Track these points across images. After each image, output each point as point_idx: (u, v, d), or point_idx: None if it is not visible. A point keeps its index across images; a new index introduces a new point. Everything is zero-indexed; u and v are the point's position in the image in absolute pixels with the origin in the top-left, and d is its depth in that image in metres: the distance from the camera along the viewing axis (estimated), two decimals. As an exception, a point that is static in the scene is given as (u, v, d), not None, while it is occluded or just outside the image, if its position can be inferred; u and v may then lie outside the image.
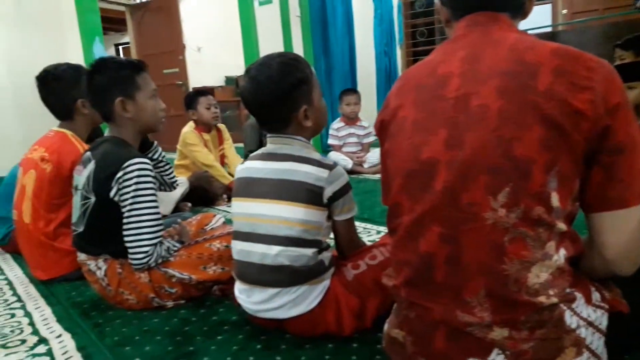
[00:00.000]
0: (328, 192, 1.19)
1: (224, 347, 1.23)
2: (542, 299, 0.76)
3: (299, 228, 1.17)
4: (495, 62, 0.80)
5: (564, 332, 0.77)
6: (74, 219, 1.58)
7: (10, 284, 1.87)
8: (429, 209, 0.83)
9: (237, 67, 6.85)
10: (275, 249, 1.17)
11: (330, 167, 1.20)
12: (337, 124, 4.02)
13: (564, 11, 5.21)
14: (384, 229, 2.23)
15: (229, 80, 7.91)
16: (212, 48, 7.62)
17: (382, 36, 6.22)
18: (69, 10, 4.10)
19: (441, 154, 0.82)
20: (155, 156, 1.76)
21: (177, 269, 1.48)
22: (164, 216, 1.59)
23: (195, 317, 1.43)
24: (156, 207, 1.47)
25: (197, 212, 2.71)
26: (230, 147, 3.41)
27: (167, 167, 1.79)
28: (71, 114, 1.93)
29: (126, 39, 8.75)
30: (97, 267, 1.51)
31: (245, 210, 1.26)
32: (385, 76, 6.21)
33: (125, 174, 1.43)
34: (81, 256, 1.57)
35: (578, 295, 0.79)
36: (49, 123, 2.02)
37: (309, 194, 1.18)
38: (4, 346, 1.33)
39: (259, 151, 1.31)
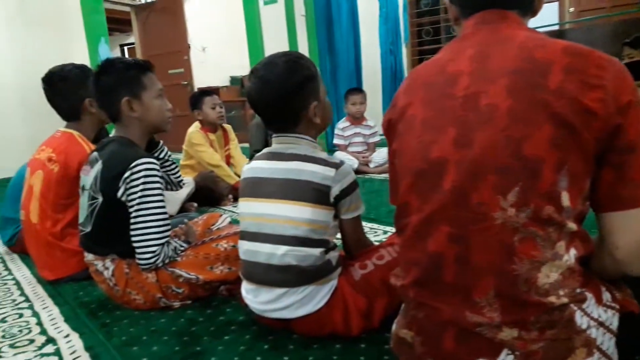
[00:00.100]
0: (335, 191, 1.18)
1: (231, 347, 1.23)
2: (552, 299, 0.76)
3: (306, 228, 1.17)
4: (504, 61, 0.80)
5: (575, 332, 0.77)
6: (81, 219, 1.58)
7: (18, 284, 1.88)
8: (437, 208, 0.83)
9: (242, 67, 6.87)
10: (282, 249, 1.17)
11: (337, 165, 1.20)
12: (342, 123, 4.02)
13: (571, 9, 5.17)
14: (390, 229, 2.22)
15: (234, 80, 7.92)
16: (217, 48, 7.63)
17: (387, 35, 6.20)
18: (74, 11, 4.11)
19: (450, 153, 0.81)
20: (162, 155, 1.76)
21: (184, 269, 1.48)
22: (170, 216, 1.60)
23: (202, 317, 1.43)
24: (163, 207, 1.47)
25: (203, 212, 2.72)
26: (236, 147, 3.42)
27: (173, 166, 1.80)
28: (78, 114, 1.94)
29: (131, 39, 8.78)
30: (105, 267, 1.52)
31: (251, 210, 1.26)
32: (391, 75, 6.19)
33: (132, 174, 1.44)
34: (88, 256, 1.57)
35: (589, 295, 0.78)
36: (55, 124, 2.03)
37: (315, 194, 1.17)
38: (12, 346, 1.34)
39: (265, 151, 1.31)
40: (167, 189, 1.76)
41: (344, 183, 1.19)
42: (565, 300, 0.76)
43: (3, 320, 1.52)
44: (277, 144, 1.28)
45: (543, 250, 0.76)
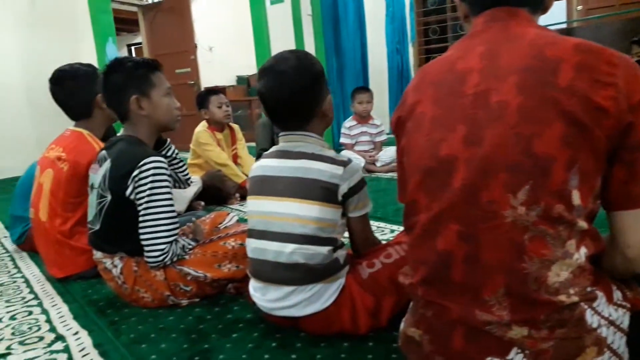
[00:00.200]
0: (343, 189, 1.18)
1: (239, 345, 1.24)
2: (562, 297, 0.75)
3: (313, 226, 1.17)
4: (514, 58, 0.79)
5: (585, 331, 0.76)
6: (90, 217, 1.59)
7: (27, 281, 1.89)
8: (447, 206, 0.83)
9: (249, 67, 6.89)
10: (289, 247, 1.17)
11: (345, 163, 1.20)
12: (349, 122, 4.01)
13: (579, 7, 5.14)
14: (397, 228, 2.22)
15: (241, 79, 7.94)
16: (224, 48, 7.65)
17: (394, 34, 6.19)
18: (82, 11, 4.14)
19: (460, 150, 0.81)
20: (169, 153, 1.77)
21: (192, 267, 1.48)
22: (178, 214, 1.61)
23: (210, 315, 1.44)
24: (172, 205, 1.48)
25: (210, 210, 2.72)
26: (243, 147, 3.43)
27: (180, 164, 1.80)
28: (90, 112, 1.95)
29: (138, 39, 8.82)
30: (113, 265, 1.53)
31: (259, 208, 1.26)
32: (398, 74, 6.18)
33: (141, 172, 1.44)
34: (97, 254, 1.58)
35: (599, 294, 0.78)
36: (63, 123, 2.04)
37: (323, 192, 1.17)
38: (22, 343, 1.35)
39: (274, 149, 1.31)
40: (175, 187, 1.77)
41: (352, 181, 1.19)
42: (575, 299, 0.75)
43: (13, 318, 1.54)
44: (285, 142, 1.28)
45: (553, 248, 0.76)
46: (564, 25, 4.82)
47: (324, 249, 1.17)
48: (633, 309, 0.81)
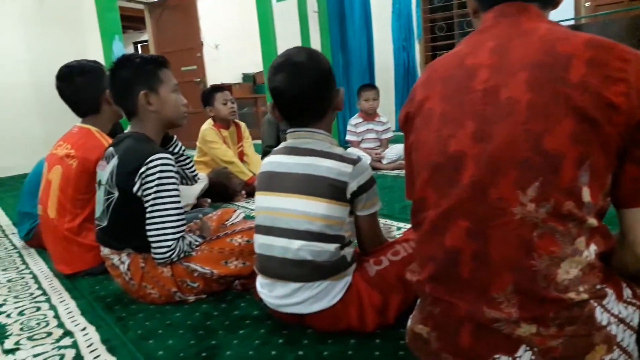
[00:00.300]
0: (352, 187, 1.18)
1: (246, 342, 1.24)
2: (571, 295, 0.75)
3: (320, 223, 1.17)
4: (525, 54, 0.79)
5: (595, 329, 0.76)
6: (98, 213, 1.60)
7: (35, 277, 1.91)
8: (455, 203, 0.82)
9: (255, 64, 6.90)
10: (296, 244, 1.17)
11: (354, 161, 1.19)
12: (355, 119, 4.00)
13: (587, 4, 5.09)
14: (403, 225, 2.21)
15: (246, 77, 7.94)
16: (230, 45, 7.65)
17: (400, 31, 6.17)
18: (89, 9, 4.16)
19: (469, 147, 0.81)
20: (176, 150, 1.77)
21: (199, 264, 1.49)
22: (184, 211, 1.62)
23: (217, 311, 1.44)
24: (179, 201, 1.48)
25: (217, 207, 2.73)
26: (249, 145, 3.43)
27: (187, 160, 1.81)
28: (97, 108, 1.95)
29: (145, 37, 8.85)
30: (121, 261, 1.53)
31: (267, 204, 1.26)
32: (404, 71, 6.17)
33: (148, 169, 1.45)
34: (105, 250, 1.59)
35: (609, 291, 0.77)
36: (70, 120, 2.05)
37: (331, 189, 1.17)
38: (30, 338, 1.36)
39: (283, 145, 1.31)
40: (182, 184, 1.78)
41: (361, 179, 1.19)
42: (585, 296, 0.75)
43: (21, 314, 1.55)
44: (294, 138, 1.28)
45: (563, 246, 0.75)
46: (572, 22, 4.79)
47: (332, 247, 1.17)
48: (643, 307, 0.81)
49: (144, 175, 1.45)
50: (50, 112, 5.21)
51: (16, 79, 5.55)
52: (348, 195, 1.18)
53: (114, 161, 1.53)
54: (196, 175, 1.84)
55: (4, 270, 2.03)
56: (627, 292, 0.80)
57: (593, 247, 0.77)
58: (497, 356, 0.81)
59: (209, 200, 2.93)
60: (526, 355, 0.78)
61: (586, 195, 0.75)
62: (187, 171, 1.80)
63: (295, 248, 1.17)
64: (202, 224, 1.71)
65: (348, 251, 1.21)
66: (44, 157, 2.07)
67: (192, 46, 6.81)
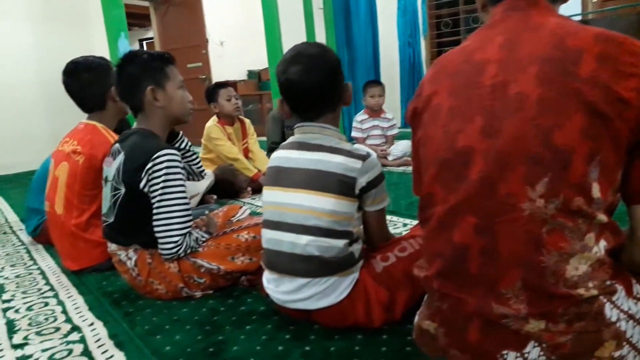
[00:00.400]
0: (361, 182, 1.18)
1: (252, 337, 1.24)
2: (581, 291, 0.75)
3: (328, 219, 1.17)
4: (534, 48, 0.78)
5: (604, 325, 0.75)
6: (104, 209, 1.61)
7: (43, 273, 1.92)
8: (463, 199, 0.82)
9: (259, 61, 6.89)
10: (304, 239, 1.17)
11: (364, 157, 1.19)
12: (360, 116, 3.99)
13: (594, -1, 5.06)
14: (410, 222, 2.21)
15: (251, 74, 7.95)
16: (235, 42, 7.65)
17: (405, 27, 6.15)
18: (94, 6, 4.17)
19: (477, 142, 0.80)
20: (182, 146, 1.77)
21: (206, 259, 1.49)
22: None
23: (224, 307, 1.44)
24: (185, 197, 1.49)
25: (223, 204, 2.73)
26: (254, 141, 3.43)
27: (193, 156, 1.81)
28: (103, 104, 1.96)
29: (150, 34, 8.86)
30: (128, 257, 1.54)
31: (274, 199, 1.26)
32: (409, 68, 6.15)
33: (154, 165, 1.45)
34: (112, 246, 1.59)
35: (619, 287, 0.77)
36: (76, 117, 2.05)
37: (340, 185, 1.17)
38: (39, 333, 1.37)
39: (291, 140, 1.31)
40: (188, 179, 1.78)
41: (371, 175, 1.19)
42: (594, 292, 0.75)
43: (29, 309, 1.56)
44: (302, 133, 1.28)
45: (572, 242, 0.75)
46: (579, 17, 4.75)
47: (340, 242, 1.17)
48: (653, 303, 0.80)
49: (150, 172, 1.45)
50: (56, 110, 5.24)
51: (23, 76, 5.58)
52: (357, 191, 1.18)
53: (121, 157, 1.53)
54: (203, 171, 1.84)
55: (12, 266, 2.04)
56: (636, 288, 0.80)
57: (602, 243, 0.76)
58: (505, 352, 0.81)
59: (215, 197, 2.93)
60: (535, 351, 0.78)
61: (596, 191, 0.75)
62: (193, 167, 1.80)
63: (303, 243, 1.17)
64: (208, 220, 1.72)
65: (356, 247, 1.21)
66: (51, 153, 2.08)
67: (198, 43, 6.82)
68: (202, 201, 2.77)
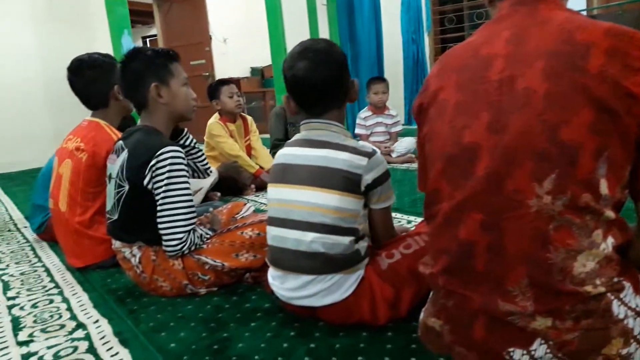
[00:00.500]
0: (367, 180, 1.17)
1: (257, 334, 1.24)
2: (588, 288, 0.74)
3: (333, 215, 1.16)
4: (542, 43, 0.77)
5: (611, 322, 0.75)
6: (108, 207, 1.61)
7: (47, 270, 1.92)
8: (469, 195, 0.81)
9: (263, 58, 6.89)
10: (310, 236, 1.17)
11: (369, 154, 1.19)
12: (364, 113, 3.99)
13: (600, -6, 5.02)
14: (414, 219, 2.20)
15: (255, 71, 7.94)
16: (238, 39, 7.65)
17: (409, 23, 6.13)
18: (98, 4, 4.17)
19: (483, 138, 0.80)
20: (187, 143, 1.77)
21: (210, 256, 1.49)
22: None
23: (228, 304, 1.44)
24: (189, 194, 1.48)
25: (227, 201, 2.73)
26: (257, 139, 3.42)
27: (199, 153, 1.80)
28: (107, 102, 1.96)
29: (153, 31, 8.86)
30: (132, 254, 1.54)
31: (280, 196, 1.26)
32: (413, 64, 6.13)
33: (158, 162, 1.45)
34: (116, 244, 1.59)
35: (626, 284, 0.77)
36: (80, 115, 2.05)
37: (345, 181, 1.17)
38: (44, 330, 1.37)
39: (297, 137, 1.30)
40: (194, 177, 1.78)
41: (376, 172, 1.18)
42: (602, 289, 0.74)
43: (34, 306, 1.56)
44: (308, 130, 1.27)
45: (579, 238, 0.74)
46: (584, 13, 4.72)
47: (346, 239, 1.17)
48: (661, 300, 0.79)
49: (154, 169, 1.45)
50: (60, 108, 5.26)
51: (26, 74, 5.60)
52: (362, 188, 1.18)
53: (124, 154, 1.53)
54: (208, 168, 1.84)
55: (16, 263, 2.05)
56: (644, 285, 0.79)
57: (610, 240, 0.76)
58: (511, 349, 0.80)
59: (219, 194, 2.93)
60: (541, 348, 0.77)
61: (604, 187, 0.74)
62: (199, 164, 1.80)
63: (308, 240, 1.17)
64: (212, 217, 1.72)
65: (362, 245, 1.21)
66: (55, 151, 2.09)
67: (201, 40, 6.82)
68: (206, 198, 2.77)
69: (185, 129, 1.79)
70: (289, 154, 1.27)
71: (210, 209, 1.85)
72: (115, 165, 1.57)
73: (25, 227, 2.70)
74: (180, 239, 1.45)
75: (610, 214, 0.75)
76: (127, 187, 1.51)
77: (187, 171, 1.51)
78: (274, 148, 3.56)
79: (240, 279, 1.57)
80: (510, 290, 0.79)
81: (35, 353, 1.25)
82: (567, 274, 0.74)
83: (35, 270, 1.93)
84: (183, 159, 1.49)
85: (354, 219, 1.19)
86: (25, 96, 5.59)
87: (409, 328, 1.16)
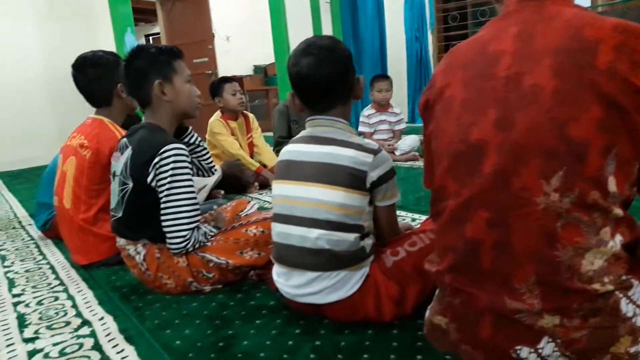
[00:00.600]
0: (372, 177, 1.17)
1: (262, 332, 1.24)
2: (596, 286, 0.74)
3: (338, 212, 1.16)
4: (550, 39, 0.77)
5: (620, 320, 0.74)
6: (113, 204, 1.61)
7: (52, 268, 1.93)
8: (476, 192, 0.81)
9: (266, 56, 6.89)
10: (315, 232, 1.17)
11: (375, 151, 1.18)
12: (367, 110, 3.98)
13: (604, -9, 5.00)
14: (418, 217, 2.20)
15: (258, 69, 7.94)
16: (241, 37, 7.65)
17: (412, 21, 6.11)
18: (100, 2, 4.18)
19: (491, 135, 0.79)
20: (192, 141, 1.77)
21: (215, 254, 1.49)
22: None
23: (233, 301, 1.44)
24: (193, 192, 1.48)
25: (230, 199, 2.74)
26: (259, 136, 3.42)
27: (204, 152, 1.80)
28: (110, 100, 1.96)
29: (156, 29, 8.86)
30: (136, 251, 1.54)
31: (284, 193, 1.25)
32: (416, 62, 6.12)
33: (161, 159, 1.45)
34: (120, 241, 1.60)
35: (635, 282, 0.76)
36: (84, 113, 2.06)
37: (350, 178, 1.16)
38: (49, 327, 1.38)
39: (303, 134, 1.30)
40: (198, 175, 1.78)
41: (382, 169, 1.18)
42: (610, 287, 0.74)
43: (39, 303, 1.56)
44: (313, 127, 1.27)
45: (587, 236, 0.74)
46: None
47: (351, 236, 1.16)
48: (669, 299, 0.79)
49: (157, 166, 1.45)
50: (63, 106, 5.27)
51: (30, 73, 5.62)
52: (367, 185, 1.17)
53: (128, 152, 1.53)
54: (213, 166, 1.83)
55: (21, 260, 2.05)
56: (653, 284, 0.79)
57: (618, 238, 0.75)
58: (518, 347, 0.80)
59: (223, 192, 2.94)
60: (549, 346, 0.77)
61: (612, 185, 0.74)
62: (203, 162, 1.80)
63: (313, 237, 1.17)
64: (216, 215, 1.72)
65: (367, 242, 1.21)
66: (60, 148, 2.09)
67: (204, 38, 6.80)
68: (210, 196, 2.77)
69: (190, 127, 1.79)
70: (294, 150, 1.27)
71: (215, 207, 1.85)
72: (119, 162, 1.57)
73: (30, 224, 2.71)
74: (184, 236, 1.45)
75: (618, 211, 0.74)
76: (131, 185, 1.51)
77: (191, 169, 1.51)
78: (277, 146, 3.56)
79: (244, 277, 1.58)
80: (517, 288, 0.79)
81: (41, 350, 1.25)
82: (575, 271, 0.74)
83: (40, 268, 1.94)
84: (187, 156, 1.49)
85: (359, 216, 1.18)
86: (29, 94, 5.60)
87: (414, 326, 1.16)
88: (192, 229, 1.47)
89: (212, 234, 1.54)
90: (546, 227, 0.75)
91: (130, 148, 1.54)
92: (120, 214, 1.57)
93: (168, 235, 1.47)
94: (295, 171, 1.24)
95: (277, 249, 1.28)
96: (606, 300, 0.74)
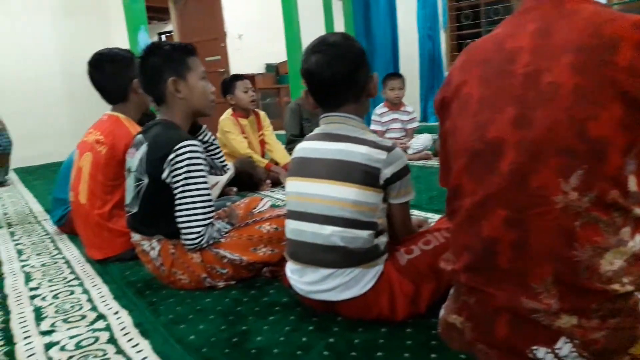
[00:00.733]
0: (386, 174, 1.17)
1: (276, 328, 1.24)
2: (616, 286, 0.73)
3: (352, 209, 1.16)
4: (569, 36, 0.76)
5: (639, 321, 0.74)
6: (128, 200, 1.62)
7: (68, 262, 1.95)
8: (493, 191, 0.81)
9: (278, 54, 6.89)
10: (328, 229, 1.17)
11: (389, 148, 1.18)
12: (380, 109, 3.96)
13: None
14: (431, 216, 2.19)
15: (269, 67, 7.95)
16: (253, 35, 7.66)
17: (425, 20, 6.08)
18: (115, 0, 4.21)
19: (508, 133, 0.79)
20: (205, 139, 1.78)
21: (228, 250, 1.50)
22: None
23: (247, 297, 1.45)
24: (207, 188, 1.49)
25: (243, 196, 2.74)
26: (270, 133, 3.43)
27: (217, 150, 1.81)
28: (126, 96, 1.97)
29: (169, 27, 8.90)
30: (151, 247, 1.55)
31: (298, 190, 1.26)
32: (429, 61, 6.08)
33: (177, 156, 1.46)
34: (135, 237, 1.61)
35: (655, 283, 0.75)
36: (100, 109, 2.08)
37: (364, 175, 1.16)
38: (65, 321, 1.39)
39: (317, 131, 1.30)
40: (211, 173, 1.78)
41: (396, 166, 1.18)
42: (630, 287, 0.73)
43: (55, 297, 1.58)
44: (326, 124, 1.27)
45: (607, 236, 0.73)
46: (605, 9, 4.63)
47: (365, 233, 1.16)
48: (690, 300, 0.78)
49: (172, 162, 1.46)
50: (78, 102, 5.32)
51: (45, 70, 5.68)
52: (381, 182, 1.17)
53: (144, 148, 1.54)
54: (226, 165, 1.84)
55: (37, 255, 2.08)
56: (673, 284, 0.78)
57: (638, 238, 0.75)
58: (535, 347, 0.80)
59: (235, 189, 2.95)
60: (566, 347, 0.77)
61: (632, 184, 0.73)
62: (216, 161, 1.80)
63: (326, 234, 1.17)
64: (230, 212, 1.72)
65: (382, 240, 1.20)
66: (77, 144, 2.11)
67: (216, 36, 6.82)
68: (223, 194, 2.79)
69: (204, 126, 1.80)
70: (308, 147, 1.27)
71: (228, 204, 1.86)
72: (134, 158, 1.58)
73: (45, 219, 2.74)
74: (199, 232, 1.46)
75: (638, 211, 0.74)
76: (146, 181, 1.52)
77: (205, 165, 1.52)
78: (289, 144, 3.56)
79: (258, 273, 1.58)
80: (535, 288, 0.78)
81: (58, 342, 1.27)
82: (594, 271, 0.74)
83: (56, 262, 1.96)
84: (201, 153, 1.50)
85: (373, 213, 1.18)
86: (44, 90, 5.67)
87: (428, 324, 1.16)
88: (207, 225, 1.48)
89: (225, 230, 1.54)
90: (565, 226, 0.75)
91: (145, 144, 1.55)
92: (135, 210, 1.58)
93: (182, 231, 1.48)
94: (309, 168, 1.24)
95: (290, 246, 1.29)
96: (626, 300, 0.73)
